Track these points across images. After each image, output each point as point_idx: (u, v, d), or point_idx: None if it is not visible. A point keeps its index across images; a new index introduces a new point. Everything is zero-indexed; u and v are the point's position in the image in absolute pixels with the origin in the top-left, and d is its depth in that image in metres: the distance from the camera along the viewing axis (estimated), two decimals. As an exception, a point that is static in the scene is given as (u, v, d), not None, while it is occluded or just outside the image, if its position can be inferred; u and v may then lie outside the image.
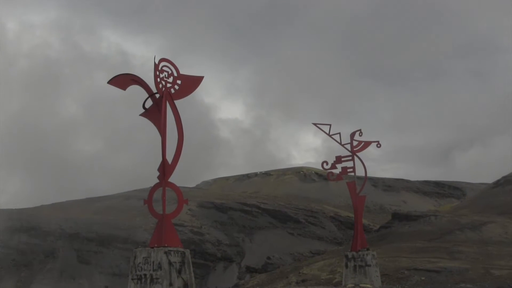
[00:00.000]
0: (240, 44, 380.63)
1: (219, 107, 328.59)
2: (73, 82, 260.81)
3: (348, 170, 19.87)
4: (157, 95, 11.23)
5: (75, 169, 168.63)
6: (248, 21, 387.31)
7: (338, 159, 20.00)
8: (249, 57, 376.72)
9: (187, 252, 10.72)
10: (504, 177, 69.12)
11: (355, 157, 19.80)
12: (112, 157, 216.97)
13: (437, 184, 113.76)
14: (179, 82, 11.54)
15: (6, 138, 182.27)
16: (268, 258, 66.35)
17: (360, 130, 20.22)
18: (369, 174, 19.93)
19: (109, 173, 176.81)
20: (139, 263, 10.37)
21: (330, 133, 20.14)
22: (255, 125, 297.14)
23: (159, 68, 11.27)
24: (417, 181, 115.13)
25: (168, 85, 11.37)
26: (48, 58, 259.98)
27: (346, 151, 19.89)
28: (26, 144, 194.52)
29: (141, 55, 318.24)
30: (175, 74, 11.52)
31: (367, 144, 20.17)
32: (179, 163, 11.11)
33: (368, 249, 19.24)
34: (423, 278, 33.48)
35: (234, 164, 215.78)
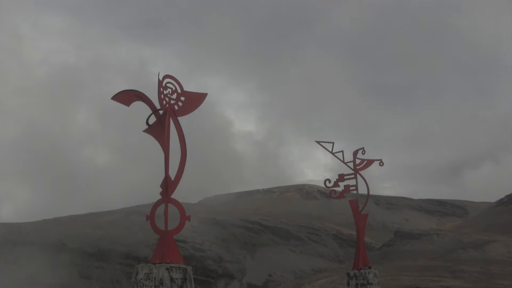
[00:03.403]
0: (248, 57, 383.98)
1: (233, 120, 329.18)
2: (88, 90, 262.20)
3: (351, 188, 19.82)
4: (161, 112, 11.29)
5: (83, 181, 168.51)
6: (260, 35, 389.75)
7: (341, 177, 19.95)
8: (262, 71, 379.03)
9: (189, 268, 10.69)
10: (507, 196, 68.62)
11: (358, 175, 19.75)
12: (122, 170, 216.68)
13: (440, 202, 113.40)
14: (182, 98, 11.56)
15: (15, 149, 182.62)
16: (270, 275, 66.08)
17: (363, 148, 20.19)
18: (372, 192, 19.86)
19: (118, 186, 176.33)
20: (141, 279, 10.33)
21: (333, 151, 20.14)
22: (267, 139, 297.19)
23: (163, 85, 11.31)
24: (420, 199, 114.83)
25: (172, 101, 11.38)
26: (65, 65, 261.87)
27: (349, 169, 19.86)
28: (36, 154, 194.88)
29: (157, 65, 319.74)
30: (179, 91, 11.54)
31: (370, 162, 20.12)
32: (182, 179, 11.14)
33: (370, 267, 19.13)
34: (425, 297, 33.30)
35: (243, 178, 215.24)
